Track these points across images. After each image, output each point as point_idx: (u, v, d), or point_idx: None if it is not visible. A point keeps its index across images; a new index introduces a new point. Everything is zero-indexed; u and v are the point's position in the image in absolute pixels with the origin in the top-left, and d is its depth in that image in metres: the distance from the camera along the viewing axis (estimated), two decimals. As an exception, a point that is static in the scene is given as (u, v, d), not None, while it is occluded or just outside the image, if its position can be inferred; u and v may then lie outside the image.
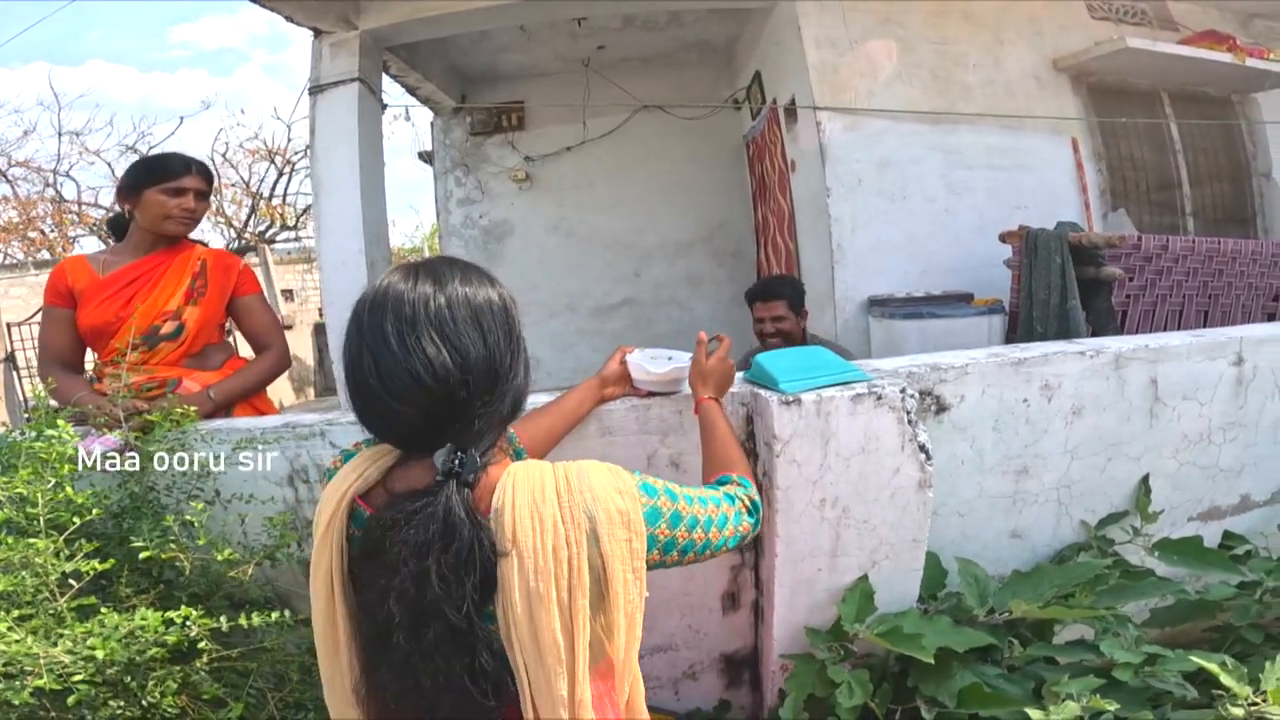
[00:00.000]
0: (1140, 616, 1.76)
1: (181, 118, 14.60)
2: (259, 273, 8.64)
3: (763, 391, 1.44)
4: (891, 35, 3.81)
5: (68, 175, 11.81)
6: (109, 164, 11.73)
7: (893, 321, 3.27)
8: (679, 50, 5.22)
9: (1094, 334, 3.05)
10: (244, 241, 11.41)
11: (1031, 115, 3.91)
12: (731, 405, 1.52)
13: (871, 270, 3.67)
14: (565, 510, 0.74)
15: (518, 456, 1.13)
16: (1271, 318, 3.36)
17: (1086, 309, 3.03)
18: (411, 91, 4.83)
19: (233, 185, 12.16)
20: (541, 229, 5.54)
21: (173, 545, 1.44)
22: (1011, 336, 3.29)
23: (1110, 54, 3.85)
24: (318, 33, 3.54)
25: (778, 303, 2.65)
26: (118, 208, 2.02)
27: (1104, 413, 1.68)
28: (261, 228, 12.08)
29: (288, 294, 8.98)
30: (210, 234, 12.71)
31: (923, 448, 1.39)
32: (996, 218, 3.70)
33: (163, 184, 1.90)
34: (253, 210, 12.04)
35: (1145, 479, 1.77)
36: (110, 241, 2.18)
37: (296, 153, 11.68)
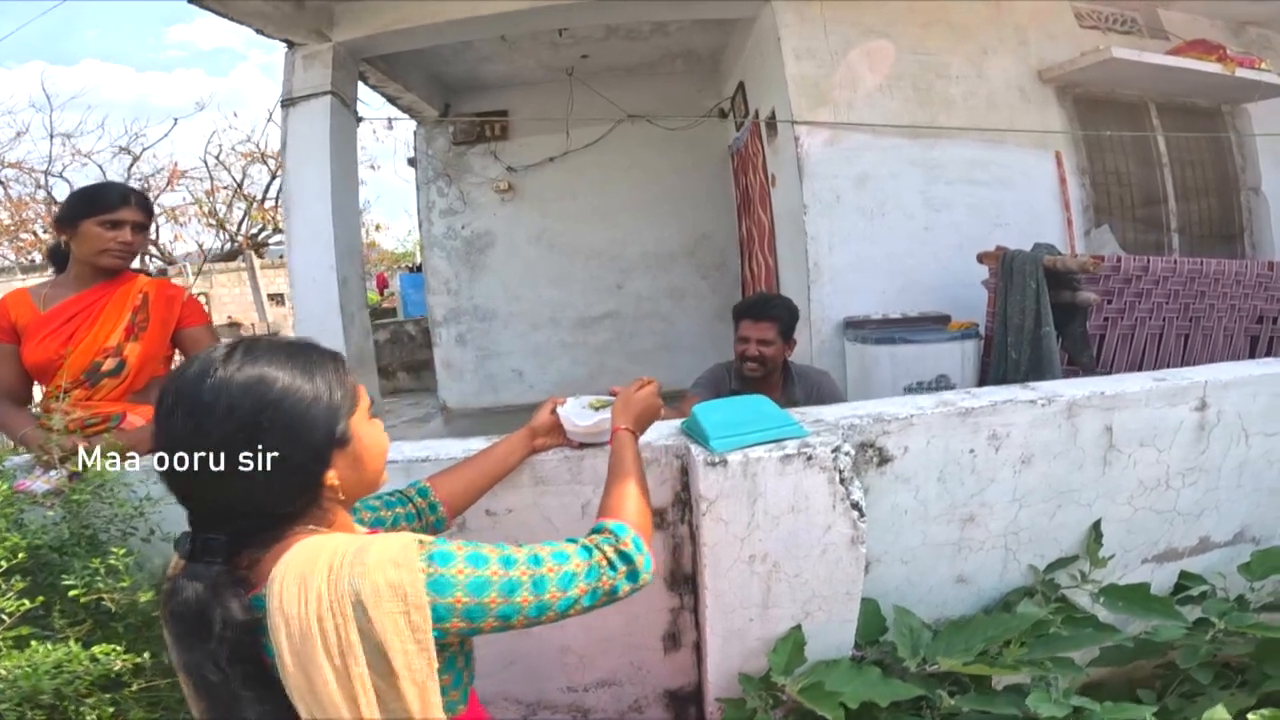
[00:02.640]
0: (1089, 655, 1.73)
1: (175, 119, 14.59)
2: (245, 278, 8.64)
3: (694, 446, 1.41)
4: (873, 46, 3.76)
5: (60, 176, 11.82)
6: (100, 166, 11.76)
7: (865, 346, 3.23)
8: (664, 60, 5.18)
9: (1068, 361, 3.00)
10: (236, 244, 11.40)
11: (1015, 129, 3.86)
12: (666, 457, 1.49)
13: (848, 290, 3.62)
14: (331, 581, 0.75)
15: (382, 524, 1.13)
16: (1254, 340, 3.31)
17: (1061, 334, 2.99)
18: (392, 101, 4.80)
19: (225, 188, 12.16)
20: (524, 240, 5.51)
21: (100, 585, 1.44)
22: (986, 360, 3.24)
23: (1096, 64, 3.78)
24: (291, 44, 3.51)
25: (768, 324, 2.41)
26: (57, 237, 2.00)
27: (1054, 461, 1.63)
28: (254, 230, 12.05)
29: (276, 299, 8.97)
30: (205, 235, 12.76)
31: (855, 505, 1.35)
32: (977, 235, 3.65)
33: (99, 216, 1.87)
34: (246, 213, 12.02)
35: (1096, 524, 1.73)
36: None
37: (290, 154, 11.58)
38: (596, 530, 0.99)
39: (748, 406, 1.47)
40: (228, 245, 11.71)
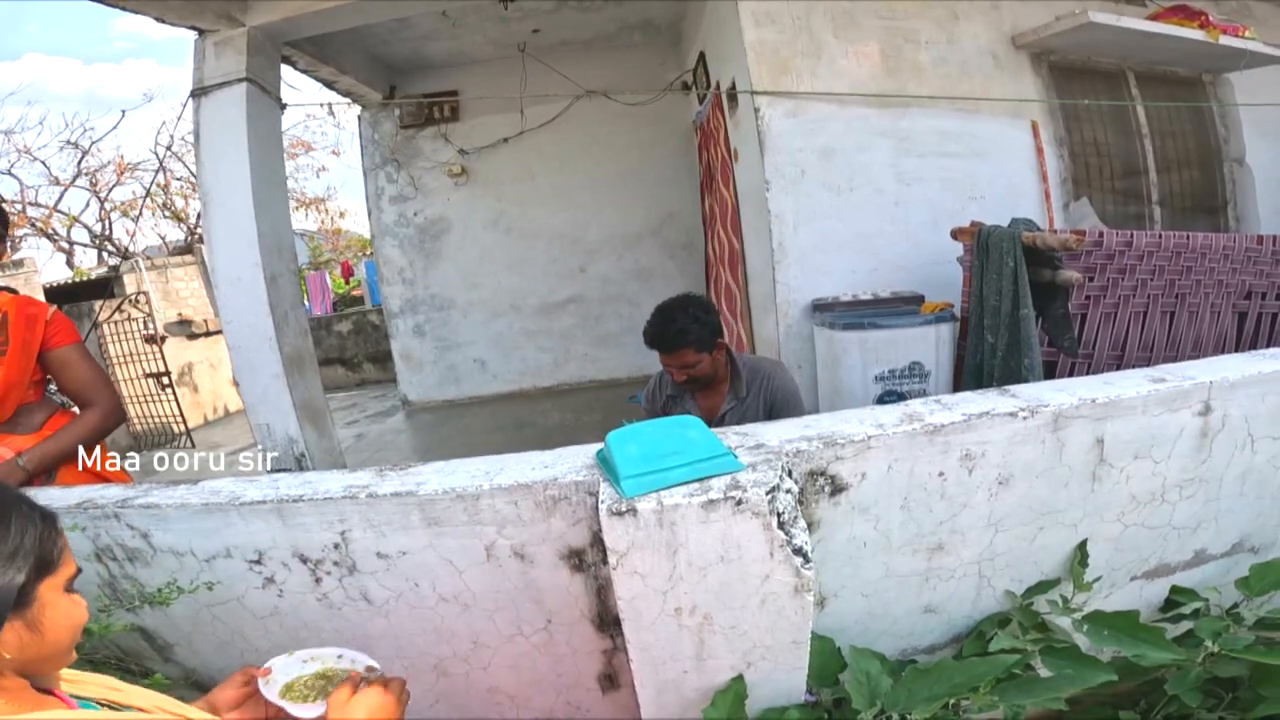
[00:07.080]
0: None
1: (123, 111, 13.96)
2: (195, 272, 8.27)
3: (604, 485, 1.18)
4: (837, 10, 3.52)
5: (9, 174, 11.37)
6: (44, 162, 11.35)
7: (833, 331, 3.01)
8: (620, 31, 4.89)
9: (1048, 343, 2.81)
10: (195, 237, 10.99)
11: (988, 97, 3.64)
12: (578, 494, 1.27)
13: (816, 270, 3.42)
14: None
15: None
16: (1242, 318, 3.13)
17: (1041, 315, 2.79)
18: (329, 86, 4.48)
19: (180, 179, 11.71)
20: (480, 225, 5.25)
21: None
22: (962, 344, 3.04)
23: (1073, 29, 3.56)
24: (200, 32, 3.20)
25: (682, 353, 2.09)
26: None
27: (1037, 480, 1.42)
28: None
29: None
30: (165, 225, 12.32)
31: (799, 551, 1.14)
32: (951, 209, 3.46)
33: None
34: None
35: (1082, 545, 1.54)
36: None
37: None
38: None
39: (671, 432, 1.24)
40: (187, 238, 11.31)
